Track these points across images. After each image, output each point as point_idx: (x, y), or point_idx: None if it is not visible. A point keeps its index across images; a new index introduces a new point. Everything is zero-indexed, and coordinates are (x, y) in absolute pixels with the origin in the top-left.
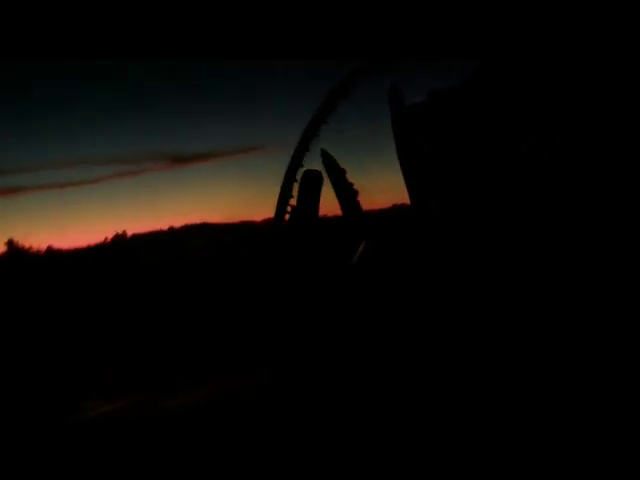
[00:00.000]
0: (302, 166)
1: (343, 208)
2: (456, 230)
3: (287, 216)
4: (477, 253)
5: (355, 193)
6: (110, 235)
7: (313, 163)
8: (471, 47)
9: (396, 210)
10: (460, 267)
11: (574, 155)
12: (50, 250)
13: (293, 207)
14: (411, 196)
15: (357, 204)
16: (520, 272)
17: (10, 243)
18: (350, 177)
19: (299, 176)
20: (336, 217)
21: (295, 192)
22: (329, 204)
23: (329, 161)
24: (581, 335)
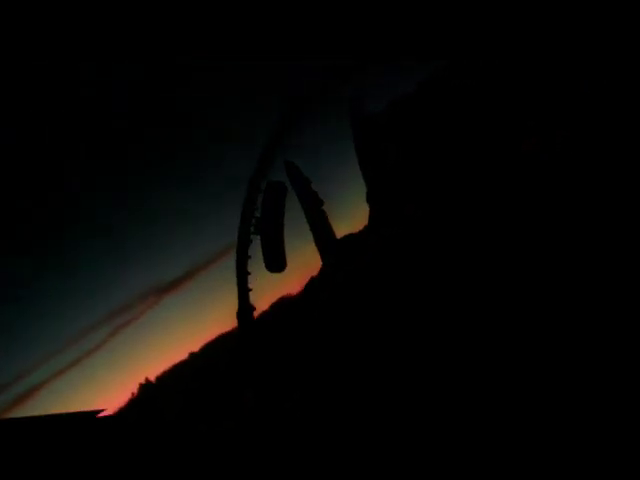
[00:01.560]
0: (266, 177)
1: (308, 217)
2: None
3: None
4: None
5: (320, 202)
6: (135, 389)
7: (277, 174)
8: (453, 48)
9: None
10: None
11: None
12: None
13: (257, 218)
14: (370, 199)
15: (322, 213)
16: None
17: None
18: (315, 186)
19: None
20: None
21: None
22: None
23: (293, 171)
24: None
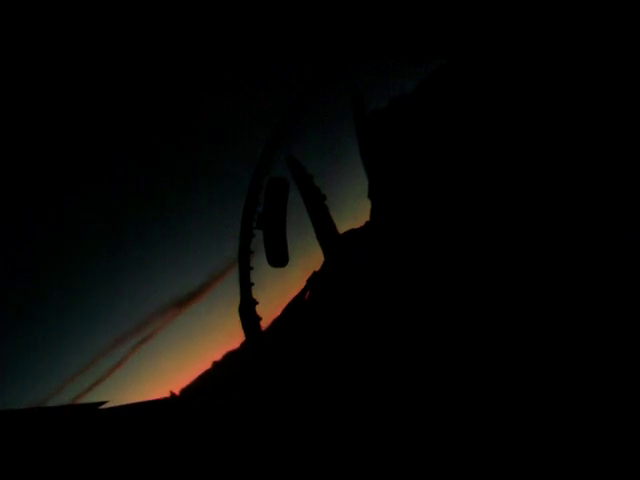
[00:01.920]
0: (268, 173)
1: (310, 212)
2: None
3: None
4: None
5: (322, 198)
6: None
7: (280, 170)
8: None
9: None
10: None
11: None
12: None
13: (259, 214)
14: (372, 196)
15: (325, 209)
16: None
17: None
18: (317, 182)
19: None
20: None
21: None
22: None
23: (295, 167)
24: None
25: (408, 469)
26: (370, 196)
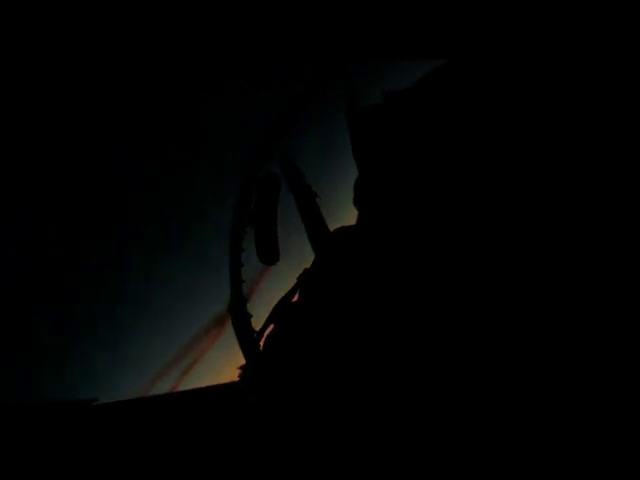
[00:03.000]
0: (261, 170)
1: (301, 211)
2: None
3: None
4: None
5: (314, 195)
6: None
7: (272, 166)
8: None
9: None
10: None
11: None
12: None
13: (251, 210)
14: (364, 194)
15: (315, 207)
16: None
17: None
18: (309, 180)
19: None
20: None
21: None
22: None
23: (287, 164)
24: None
25: (408, 469)
26: (356, 202)
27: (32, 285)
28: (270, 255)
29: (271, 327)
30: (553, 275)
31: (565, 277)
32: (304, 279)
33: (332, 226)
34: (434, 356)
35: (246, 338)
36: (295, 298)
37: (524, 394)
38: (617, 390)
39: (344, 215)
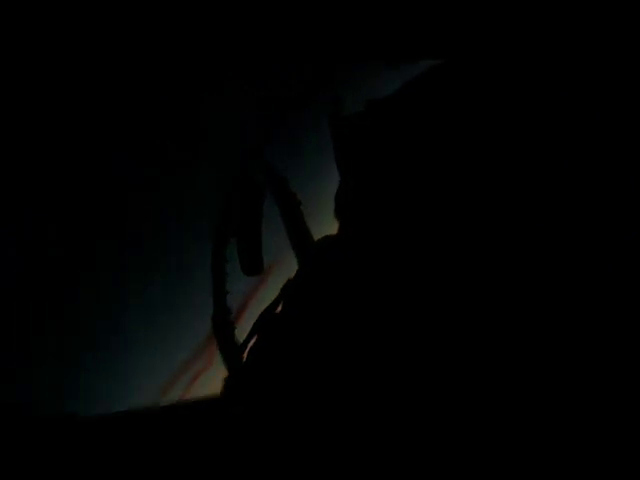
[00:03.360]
0: (245, 178)
1: (284, 219)
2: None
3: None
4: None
5: (298, 203)
6: None
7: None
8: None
9: None
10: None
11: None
12: None
13: (234, 219)
14: (345, 204)
15: (300, 215)
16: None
17: None
18: (295, 188)
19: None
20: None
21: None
22: None
23: (269, 171)
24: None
25: (408, 469)
26: (337, 213)
27: (32, 285)
28: (253, 266)
29: (254, 338)
30: (553, 275)
31: (565, 277)
32: (288, 289)
33: (317, 235)
34: (422, 367)
35: (228, 350)
36: (279, 309)
37: (524, 394)
38: (617, 390)
39: (330, 224)
